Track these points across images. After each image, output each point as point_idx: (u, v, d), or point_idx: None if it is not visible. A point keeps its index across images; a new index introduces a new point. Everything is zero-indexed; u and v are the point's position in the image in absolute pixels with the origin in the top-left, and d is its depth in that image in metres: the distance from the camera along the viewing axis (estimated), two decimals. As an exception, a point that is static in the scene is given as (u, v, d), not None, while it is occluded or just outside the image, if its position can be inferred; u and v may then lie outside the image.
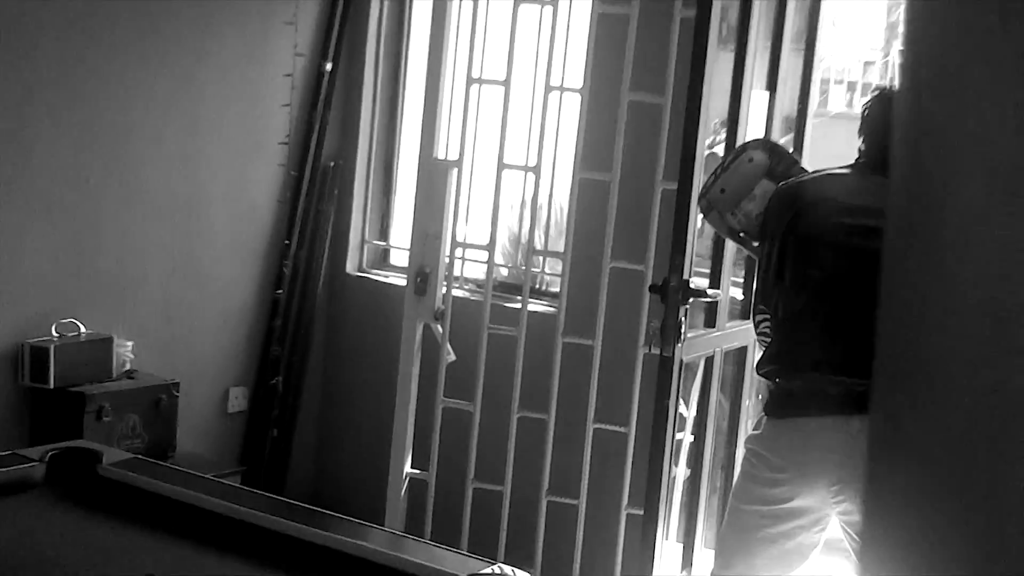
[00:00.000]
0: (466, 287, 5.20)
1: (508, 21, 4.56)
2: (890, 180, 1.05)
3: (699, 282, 3.96)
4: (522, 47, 4.60)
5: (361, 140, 5.68)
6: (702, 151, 3.85)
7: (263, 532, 2.60)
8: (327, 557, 2.50)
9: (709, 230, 4.09)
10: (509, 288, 5.16)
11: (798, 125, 4.56)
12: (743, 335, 4.29)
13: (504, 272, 5.40)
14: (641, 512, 4.13)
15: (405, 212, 5.60)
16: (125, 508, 2.73)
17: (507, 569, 2.47)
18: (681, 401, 4.07)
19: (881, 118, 3.38)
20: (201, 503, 2.72)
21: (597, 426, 4.53)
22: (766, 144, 3.82)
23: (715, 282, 4.10)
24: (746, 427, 4.43)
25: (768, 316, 3.44)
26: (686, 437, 4.29)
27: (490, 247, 4.67)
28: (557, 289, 4.83)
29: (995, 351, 0.96)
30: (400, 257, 5.71)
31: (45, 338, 4.54)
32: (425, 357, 4.73)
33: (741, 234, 3.68)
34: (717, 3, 3.86)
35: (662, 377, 3.81)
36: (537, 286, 5.14)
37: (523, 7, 4.55)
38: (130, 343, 4.83)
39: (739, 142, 4.13)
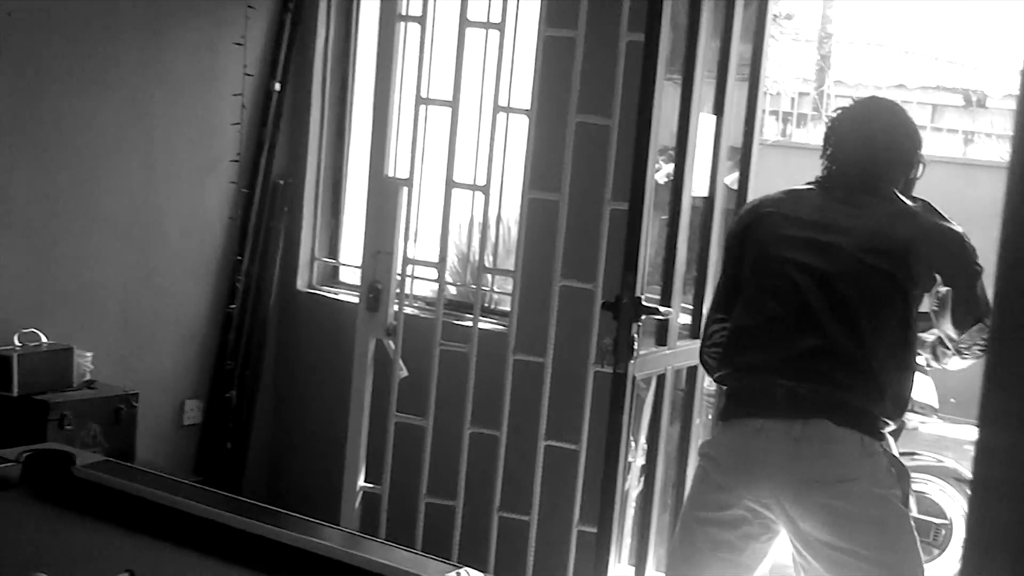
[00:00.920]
0: (415, 305, 5.29)
1: (455, 43, 4.67)
2: (1007, 186, 1.06)
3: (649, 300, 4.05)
4: (470, 68, 4.71)
5: (310, 158, 5.77)
6: (652, 170, 3.97)
7: (236, 532, 2.67)
8: (299, 557, 2.58)
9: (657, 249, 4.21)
10: (459, 306, 5.25)
11: (744, 152, 4.68)
12: (694, 354, 4.40)
13: (454, 290, 5.50)
14: (593, 529, 4.22)
15: (354, 230, 5.70)
16: (100, 508, 2.81)
17: (473, 572, 2.55)
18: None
19: (850, 134, 3.48)
20: (175, 504, 2.79)
21: (548, 443, 4.62)
22: None
23: (666, 301, 4.20)
24: (697, 444, 4.53)
25: (725, 325, 3.54)
26: (637, 459, 4.35)
27: (440, 265, 4.76)
28: (507, 308, 4.93)
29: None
30: (349, 274, 5.80)
31: (7, 347, 4.60)
32: (377, 372, 4.81)
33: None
34: (666, 25, 3.99)
35: (615, 393, 3.89)
36: (487, 304, 5.24)
37: (470, 29, 4.66)
38: (90, 354, 4.88)
39: (687, 166, 4.27)
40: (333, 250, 5.89)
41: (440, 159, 4.75)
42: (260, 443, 5.76)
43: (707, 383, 4.54)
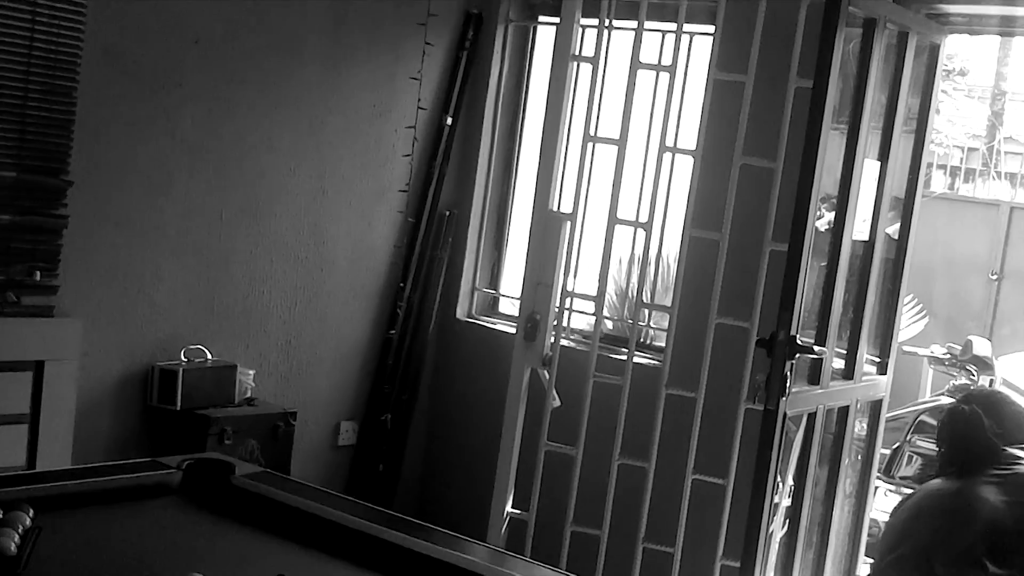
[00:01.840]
0: (572, 337, 5.33)
1: (626, 83, 4.72)
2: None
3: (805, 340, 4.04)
4: (639, 108, 4.75)
5: (477, 190, 5.87)
6: (814, 213, 3.97)
7: (387, 545, 2.73)
8: (448, 572, 2.62)
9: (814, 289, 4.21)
10: (614, 340, 5.28)
11: (907, 202, 4.65)
12: (846, 394, 4.38)
13: (610, 324, 5.52)
14: (736, 564, 4.21)
15: (515, 262, 5.77)
16: (257, 517, 2.90)
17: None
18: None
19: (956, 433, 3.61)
20: (329, 515, 2.87)
21: (696, 477, 4.62)
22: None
23: (821, 341, 4.18)
24: (844, 486, 4.50)
25: None
26: (783, 500, 4.33)
27: (598, 298, 4.81)
28: (661, 344, 4.95)
29: None
30: (508, 305, 5.87)
31: (174, 362, 4.77)
32: (531, 401, 4.86)
33: None
34: (835, 74, 3.99)
35: (765, 429, 3.91)
36: (642, 339, 5.25)
37: (641, 71, 4.71)
38: (252, 372, 5.04)
39: (849, 210, 4.25)
40: (494, 281, 5.97)
41: (604, 195, 4.80)
42: (412, 466, 5.86)
43: (858, 428, 4.51)
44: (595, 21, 4.75)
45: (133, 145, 4.71)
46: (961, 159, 14.36)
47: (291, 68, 5.19)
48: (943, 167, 14.01)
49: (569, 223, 4.80)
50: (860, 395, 4.45)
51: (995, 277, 10.34)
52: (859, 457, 4.64)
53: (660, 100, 4.75)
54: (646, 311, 5.18)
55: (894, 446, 6.09)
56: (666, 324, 4.78)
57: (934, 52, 4.75)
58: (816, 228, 4.12)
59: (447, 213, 5.78)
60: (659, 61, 4.73)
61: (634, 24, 4.63)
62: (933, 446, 5.40)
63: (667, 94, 4.70)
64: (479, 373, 5.73)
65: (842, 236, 4.28)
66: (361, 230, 5.54)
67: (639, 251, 4.86)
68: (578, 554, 4.77)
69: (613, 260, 4.91)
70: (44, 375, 4.39)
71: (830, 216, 4.39)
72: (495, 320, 5.88)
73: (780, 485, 4.15)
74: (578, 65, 4.83)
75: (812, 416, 4.22)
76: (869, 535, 4.88)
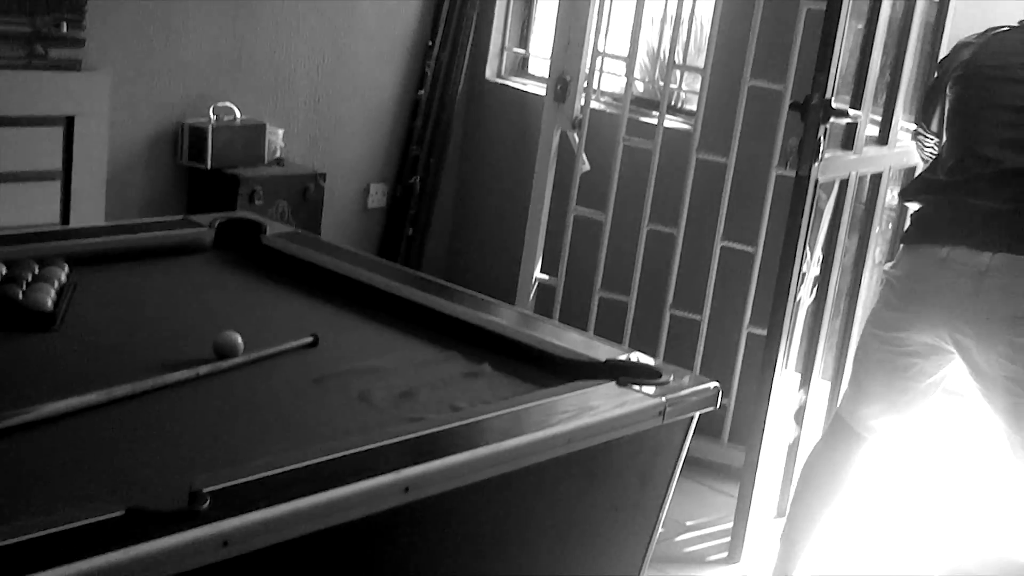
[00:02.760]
0: (602, 99, 5.27)
1: None
2: None
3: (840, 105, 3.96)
4: None
5: (508, -54, 5.72)
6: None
7: (416, 307, 2.75)
8: (475, 332, 2.65)
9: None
10: (645, 103, 5.21)
11: None
12: (880, 161, 4.32)
13: (641, 87, 5.45)
14: (762, 332, 4.23)
15: (546, 20, 5.65)
16: (287, 275, 2.92)
17: (642, 357, 2.60)
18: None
19: None
20: (359, 276, 2.88)
21: (725, 244, 4.63)
22: None
23: (856, 104, 4.10)
24: (873, 255, 4.49)
25: (928, 139, 3.53)
26: (811, 270, 4.31)
27: (630, 60, 4.73)
28: (693, 107, 4.88)
29: None
30: (538, 66, 5.78)
31: (203, 120, 4.73)
32: (560, 165, 4.85)
33: None
34: None
35: (796, 196, 3.87)
36: (674, 102, 5.19)
37: None
38: (281, 131, 5.00)
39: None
40: (524, 40, 5.86)
41: (638, -46, 4.67)
42: (441, 230, 5.86)
43: (890, 197, 4.47)
44: None
45: None
46: None
47: None
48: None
49: (601, -19, 4.70)
50: (894, 162, 4.38)
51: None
52: (890, 226, 4.60)
53: None
54: (678, 72, 5.09)
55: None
56: (698, 86, 4.71)
57: None
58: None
59: (476, -31, 5.64)
60: None
61: None
62: None
63: None
64: (508, 136, 5.69)
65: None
66: (389, -15, 5.42)
67: (672, 10, 4.76)
68: (605, 320, 4.81)
69: (645, 19, 4.80)
70: (75, 130, 4.36)
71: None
72: (525, 81, 5.79)
73: (809, 254, 4.13)
74: None
75: (844, 183, 4.17)
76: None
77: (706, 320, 4.69)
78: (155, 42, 4.65)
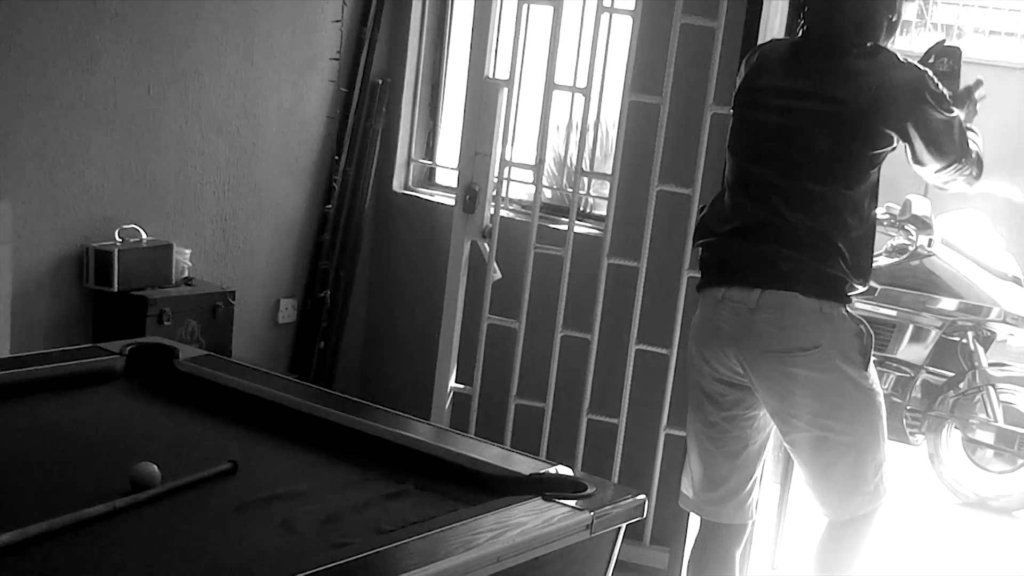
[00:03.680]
0: (511, 207, 5.29)
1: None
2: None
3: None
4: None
5: (409, 58, 5.72)
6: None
7: (332, 426, 2.72)
8: (393, 450, 2.62)
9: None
10: (555, 210, 5.23)
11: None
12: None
13: (550, 194, 5.48)
14: (681, 433, 4.23)
15: (451, 131, 5.68)
16: (202, 400, 2.87)
17: (565, 470, 2.58)
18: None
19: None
20: (275, 398, 2.84)
21: (639, 347, 4.63)
22: None
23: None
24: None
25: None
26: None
27: (537, 167, 4.75)
28: (602, 212, 4.92)
29: None
30: (445, 176, 5.79)
31: (108, 243, 4.66)
32: (472, 274, 4.84)
33: None
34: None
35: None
36: (583, 208, 5.22)
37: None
38: (188, 251, 4.94)
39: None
40: (430, 151, 5.88)
41: (541, 60, 4.72)
42: (353, 343, 5.82)
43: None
44: None
45: (53, 16, 4.52)
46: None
47: (213, -69, 5.01)
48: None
49: (505, 90, 4.73)
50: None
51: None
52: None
53: (595, -40, 4.65)
54: (586, 179, 5.14)
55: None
56: (607, 192, 4.74)
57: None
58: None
59: (380, 82, 5.66)
60: (592, -83, 4.64)
61: None
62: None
63: (604, -46, 4.60)
64: (418, 246, 5.68)
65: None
66: (292, 101, 5.42)
67: (577, 118, 4.81)
68: (523, 427, 4.78)
69: (551, 127, 4.85)
70: (-24, 258, 4.29)
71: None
72: (433, 191, 5.80)
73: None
74: (510, -75, 4.73)
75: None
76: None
77: (623, 423, 4.68)
78: (57, 166, 4.60)
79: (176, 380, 2.97)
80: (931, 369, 6.34)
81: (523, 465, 2.56)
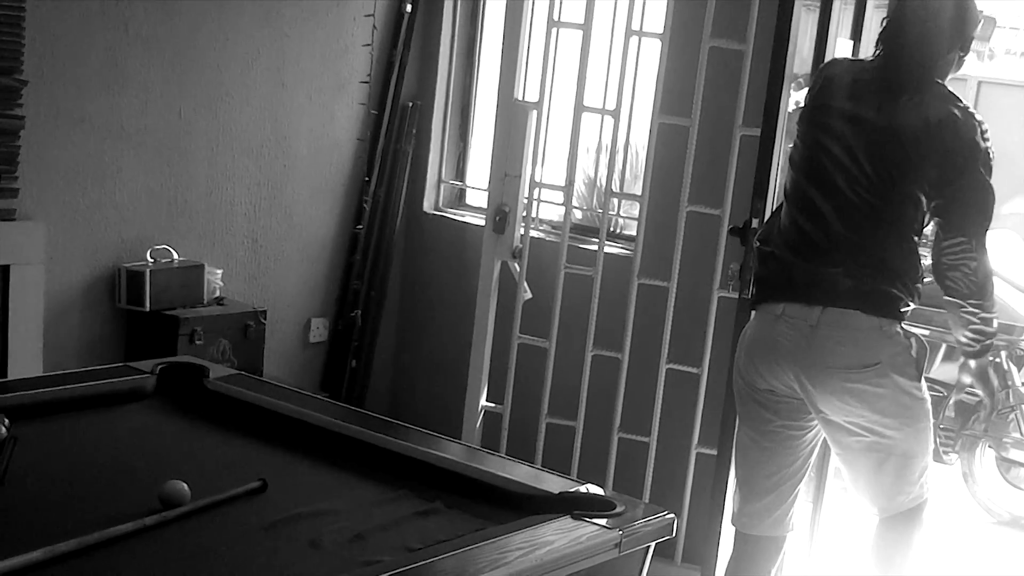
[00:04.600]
0: (542, 228, 5.30)
1: (588, -34, 4.64)
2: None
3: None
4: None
5: (439, 80, 5.76)
6: (787, 96, 3.92)
7: (362, 445, 2.72)
8: (423, 469, 2.62)
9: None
10: (585, 230, 5.24)
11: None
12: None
13: (580, 214, 5.48)
14: (712, 452, 4.23)
15: (481, 152, 5.70)
16: (232, 419, 2.88)
17: (594, 488, 2.57)
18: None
19: (910, 23, 3.42)
20: (305, 416, 2.85)
21: (670, 366, 4.63)
22: None
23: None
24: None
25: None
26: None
27: (567, 188, 4.76)
28: (632, 232, 4.93)
29: None
30: (475, 197, 5.81)
31: (140, 263, 4.70)
32: (502, 294, 4.85)
33: None
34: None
35: (741, 318, 3.89)
36: (613, 228, 5.22)
37: (603, -48, 4.63)
38: (219, 271, 4.97)
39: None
40: (460, 173, 5.90)
41: (570, 83, 4.73)
42: (384, 362, 5.83)
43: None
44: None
45: (85, 40, 4.58)
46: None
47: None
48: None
49: (535, 112, 4.74)
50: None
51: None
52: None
53: (626, -18, 4.67)
54: (616, 200, 5.14)
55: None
56: (636, 213, 4.75)
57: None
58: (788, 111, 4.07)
59: (410, 104, 5.69)
60: (623, -59, 4.66)
61: (596, -96, 4.54)
62: None
63: (633, -25, 4.61)
64: (448, 267, 5.69)
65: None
66: (323, 123, 5.45)
67: (607, 139, 4.81)
68: (554, 445, 4.79)
69: (581, 149, 4.86)
70: (10, 280, 4.33)
71: (799, 96, 4.32)
72: (463, 212, 5.82)
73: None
74: (539, -53, 4.76)
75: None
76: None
77: (654, 442, 4.67)
78: (89, 188, 4.64)
79: (206, 399, 2.98)
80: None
81: (552, 484, 2.56)
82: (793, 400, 3.50)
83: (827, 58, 4.12)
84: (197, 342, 4.68)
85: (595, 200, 5.52)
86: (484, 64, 5.78)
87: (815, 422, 3.53)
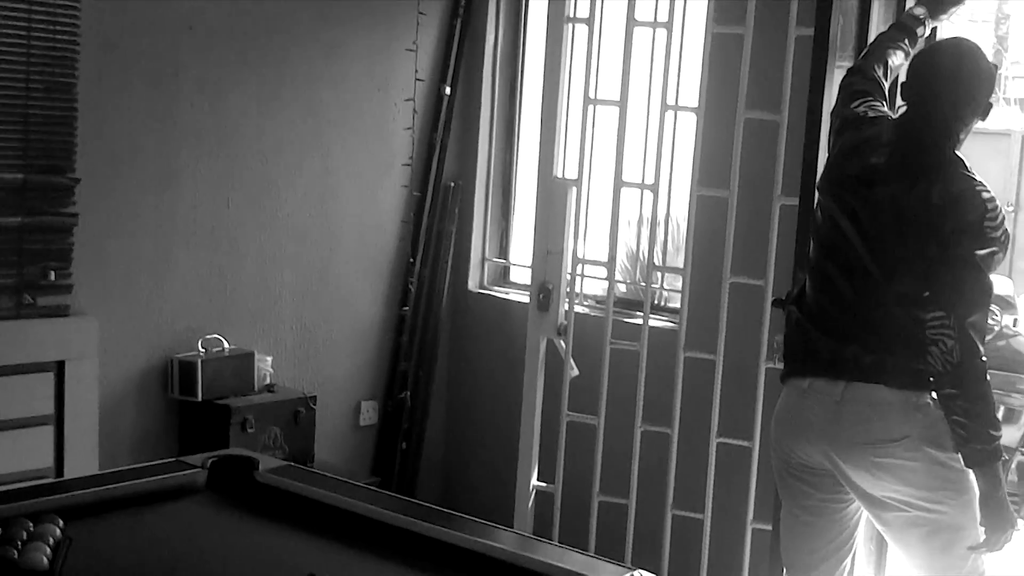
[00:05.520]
0: (586, 303, 5.32)
1: (622, 42, 4.69)
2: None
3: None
4: (637, 67, 4.73)
5: (480, 160, 5.84)
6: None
7: (413, 536, 2.73)
8: (474, 559, 2.63)
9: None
10: (628, 304, 5.25)
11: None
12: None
13: (623, 288, 5.50)
14: (767, 527, 4.20)
15: (523, 230, 5.75)
16: (282, 512, 2.90)
17: (646, 575, 2.57)
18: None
19: (933, 83, 3.37)
20: (354, 508, 2.86)
21: (721, 440, 4.61)
22: None
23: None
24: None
25: None
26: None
27: (610, 263, 4.79)
28: (676, 305, 4.94)
29: None
30: (519, 274, 5.85)
31: (192, 353, 4.77)
32: (549, 371, 4.86)
33: None
34: (836, 20, 3.96)
35: (787, 390, 3.88)
36: (657, 302, 5.24)
37: (637, 29, 4.68)
38: (269, 358, 5.04)
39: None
40: (503, 251, 5.95)
41: (609, 158, 4.78)
42: (434, 443, 5.86)
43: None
44: (588, -19, 4.72)
45: (136, 137, 4.69)
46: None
47: (286, 47, 5.15)
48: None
49: (575, 188, 4.79)
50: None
51: (1011, 208, 10.21)
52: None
53: (659, 58, 4.72)
54: (659, 273, 5.16)
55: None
56: (679, 285, 4.76)
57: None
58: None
59: (452, 184, 5.75)
60: (655, 18, 4.72)
61: (627, -18, 4.60)
62: None
63: (665, 51, 4.67)
64: (495, 345, 5.72)
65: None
66: (367, 207, 5.52)
67: (647, 213, 4.84)
68: (607, 523, 4.78)
69: (622, 223, 4.89)
70: (65, 375, 4.40)
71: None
72: (507, 290, 5.86)
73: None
74: (574, 26, 4.83)
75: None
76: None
77: (709, 518, 4.65)
78: (141, 281, 4.72)
79: (257, 492, 3.00)
80: None
81: (605, 572, 2.56)
82: (829, 474, 3.46)
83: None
84: (249, 430, 4.73)
85: (638, 274, 5.54)
86: (523, 142, 5.85)
87: (849, 506, 3.50)
